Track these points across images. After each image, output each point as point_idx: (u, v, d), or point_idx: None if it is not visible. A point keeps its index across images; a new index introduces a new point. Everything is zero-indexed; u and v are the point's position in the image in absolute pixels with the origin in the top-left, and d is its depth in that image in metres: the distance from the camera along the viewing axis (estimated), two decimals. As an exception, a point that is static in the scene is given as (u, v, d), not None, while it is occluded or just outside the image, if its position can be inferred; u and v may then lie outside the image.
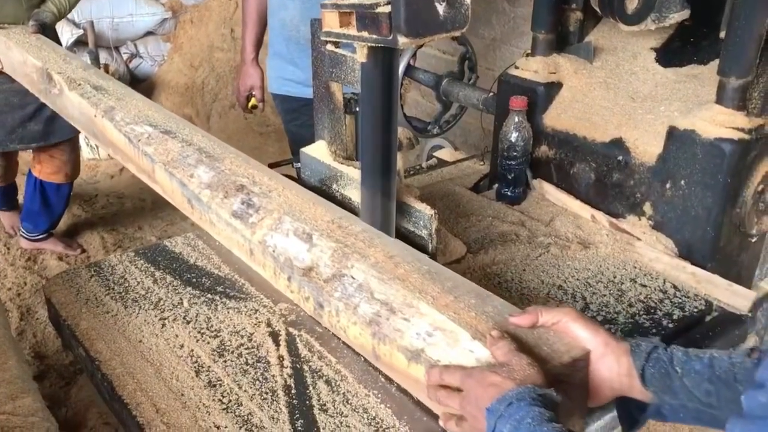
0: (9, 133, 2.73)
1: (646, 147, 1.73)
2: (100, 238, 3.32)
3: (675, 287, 1.60)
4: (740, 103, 1.58)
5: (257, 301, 1.48)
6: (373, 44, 1.21)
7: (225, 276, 1.58)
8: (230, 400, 1.22)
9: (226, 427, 1.16)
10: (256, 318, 1.43)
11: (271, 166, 1.88)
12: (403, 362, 1.05)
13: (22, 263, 3.08)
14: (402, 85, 2.38)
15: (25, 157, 3.18)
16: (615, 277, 1.63)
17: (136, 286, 1.56)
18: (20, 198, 3.29)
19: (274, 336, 1.37)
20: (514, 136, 1.89)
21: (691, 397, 0.92)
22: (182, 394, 1.24)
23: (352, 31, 1.24)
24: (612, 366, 0.95)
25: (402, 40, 1.12)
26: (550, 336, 0.99)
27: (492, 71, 3.05)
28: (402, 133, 2.27)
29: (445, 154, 2.59)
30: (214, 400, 1.22)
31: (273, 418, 1.17)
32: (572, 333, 0.98)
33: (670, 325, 1.47)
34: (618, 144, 1.78)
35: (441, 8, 1.11)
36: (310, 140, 1.68)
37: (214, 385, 1.25)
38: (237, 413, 1.19)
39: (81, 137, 3.07)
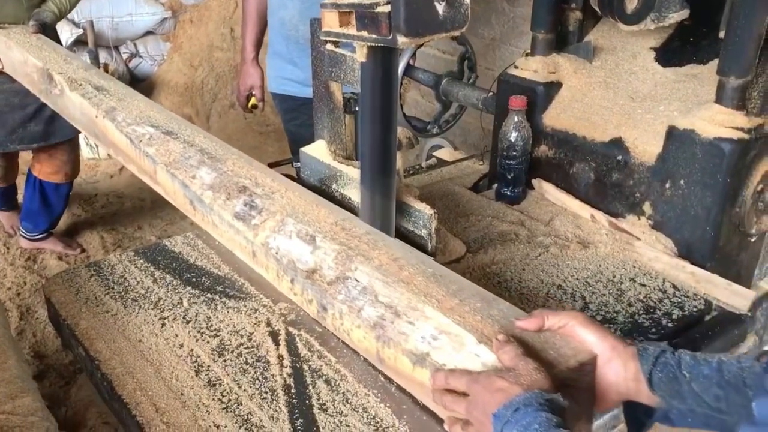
0: (9, 133, 2.73)
1: (646, 147, 1.73)
2: (100, 238, 3.32)
3: (674, 287, 1.60)
4: (740, 102, 1.58)
5: (257, 301, 1.48)
6: (373, 44, 1.21)
7: (225, 275, 1.58)
8: (230, 400, 1.22)
9: (225, 426, 1.16)
10: (256, 317, 1.43)
11: (271, 165, 1.87)
12: (408, 366, 1.04)
13: (22, 263, 3.08)
14: (401, 84, 2.38)
15: (24, 157, 3.18)
16: (614, 277, 1.63)
17: (136, 285, 1.56)
18: (20, 198, 3.29)
19: (274, 335, 1.37)
20: (513, 136, 1.89)
21: (699, 402, 0.91)
22: (182, 394, 1.24)
23: (352, 30, 1.24)
24: (619, 370, 0.95)
25: (401, 39, 1.12)
26: (556, 340, 0.98)
27: (491, 71, 3.06)
28: (401, 132, 2.27)
29: (445, 153, 2.59)
30: (213, 399, 1.22)
31: (273, 417, 1.17)
32: (579, 337, 0.97)
33: (670, 325, 1.47)
34: (617, 144, 1.78)
35: (440, 8, 1.11)
36: (310, 140, 1.68)
37: (214, 385, 1.25)
38: (237, 413, 1.19)
39: (80, 137, 3.07)
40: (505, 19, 3.15)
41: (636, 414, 0.99)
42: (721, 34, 1.60)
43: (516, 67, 2.01)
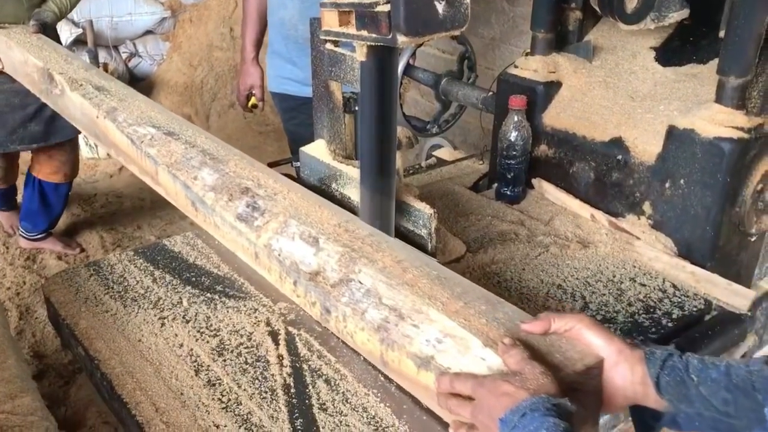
0: (10, 133, 2.73)
1: (646, 146, 1.73)
2: (99, 238, 3.32)
3: (674, 286, 1.60)
4: (739, 102, 1.58)
5: (256, 301, 1.48)
6: (373, 43, 1.21)
7: (224, 275, 1.58)
8: (230, 399, 1.22)
9: (225, 426, 1.16)
10: (256, 317, 1.43)
11: (271, 165, 1.87)
12: (412, 369, 1.03)
13: (21, 262, 3.08)
14: (401, 84, 2.38)
15: (24, 157, 3.18)
16: (614, 277, 1.63)
17: (136, 285, 1.56)
18: (19, 198, 3.28)
19: (274, 335, 1.37)
20: (513, 136, 1.89)
21: (707, 406, 0.90)
22: (181, 393, 1.24)
23: (352, 30, 1.23)
24: (626, 374, 0.94)
25: (401, 39, 1.12)
26: (562, 343, 0.97)
27: (491, 70, 3.05)
28: (401, 132, 2.27)
29: (445, 153, 2.59)
30: (213, 399, 1.22)
31: (272, 417, 1.17)
32: (585, 340, 0.96)
33: (670, 325, 1.47)
34: (617, 143, 1.78)
35: (440, 7, 1.11)
36: (309, 139, 1.68)
37: (214, 384, 1.25)
38: (236, 412, 1.19)
39: (80, 136, 3.07)
40: (505, 19, 3.15)
41: (644, 418, 0.99)
42: (721, 34, 1.60)
43: (516, 67, 2.01)
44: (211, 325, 1.41)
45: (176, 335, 1.39)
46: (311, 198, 1.40)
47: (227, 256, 1.61)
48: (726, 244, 1.67)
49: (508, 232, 1.81)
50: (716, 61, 1.61)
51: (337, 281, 1.18)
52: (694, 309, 1.53)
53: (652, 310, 1.51)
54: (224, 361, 1.31)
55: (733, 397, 0.88)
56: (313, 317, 1.29)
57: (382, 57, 1.27)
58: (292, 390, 1.23)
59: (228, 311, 1.45)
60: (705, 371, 0.91)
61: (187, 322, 1.42)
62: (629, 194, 1.79)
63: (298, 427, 1.15)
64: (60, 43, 2.60)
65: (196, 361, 1.31)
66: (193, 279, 1.57)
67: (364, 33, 1.19)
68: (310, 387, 1.23)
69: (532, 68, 1.96)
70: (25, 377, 1.52)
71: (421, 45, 2.86)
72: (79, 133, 2.68)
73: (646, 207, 1.76)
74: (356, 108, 1.54)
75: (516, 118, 1.88)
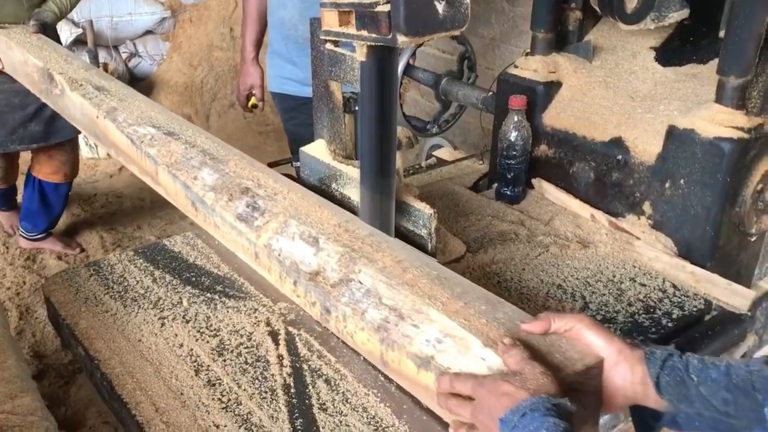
0: (10, 133, 2.73)
1: (646, 146, 1.73)
2: (99, 238, 3.32)
3: (674, 286, 1.60)
4: (739, 102, 1.58)
5: (256, 301, 1.48)
6: (373, 43, 1.21)
7: (224, 275, 1.58)
8: (230, 399, 1.22)
9: (225, 426, 1.16)
10: (256, 317, 1.43)
11: (271, 165, 1.87)
12: (412, 369, 1.03)
13: (21, 262, 3.08)
14: (401, 84, 2.38)
15: (24, 157, 3.18)
16: (614, 277, 1.63)
17: (136, 285, 1.56)
18: (19, 198, 3.28)
19: (274, 335, 1.37)
20: (513, 136, 1.89)
21: (707, 406, 0.90)
22: (181, 393, 1.24)
23: (352, 30, 1.23)
24: (626, 374, 0.94)
25: (401, 39, 1.12)
26: (562, 343, 0.97)
27: (491, 70, 3.06)
28: (401, 132, 2.27)
29: (445, 153, 2.59)
30: (213, 399, 1.22)
31: (272, 417, 1.17)
32: (585, 340, 0.96)
33: (670, 324, 1.47)
34: (617, 143, 1.78)
35: (440, 7, 1.11)
36: (309, 139, 1.68)
37: (214, 384, 1.25)
38: (236, 412, 1.19)
39: (80, 136, 3.07)
40: (505, 19, 3.15)
41: (643, 418, 0.99)
42: (721, 34, 1.60)
43: (516, 67, 2.01)
44: (211, 325, 1.41)
45: (176, 335, 1.39)
46: (311, 198, 1.40)
47: (227, 256, 1.61)
48: (726, 244, 1.67)
49: (508, 232, 1.81)
50: (716, 61, 1.61)
51: (337, 281, 1.18)
52: (694, 309, 1.53)
53: (652, 310, 1.51)
54: (224, 361, 1.31)
55: (733, 397, 0.88)
56: (313, 317, 1.29)
57: (382, 57, 1.27)
58: (292, 390, 1.23)
59: (228, 311, 1.45)
60: (705, 371, 0.91)
61: (187, 322, 1.42)
62: (629, 194, 1.79)
63: (298, 427, 1.15)
64: (60, 43, 2.60)
65: (196, 361, 1.31)
66: (193, 279, 1.57)
67: (364, 33, 1.19)
68: (310, 387, 1.23)
69: (532, 68, 1.96)
70: (25, 377, 1.52)
71: (421, 45, 2.86)
72: (79, 133, 2.68)
73: (646, 207, 1.76)
74: (356, 108, 1.54)
75: (516, 118, 1.88)
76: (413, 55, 2.46)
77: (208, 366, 1.30)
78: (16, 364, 1.54)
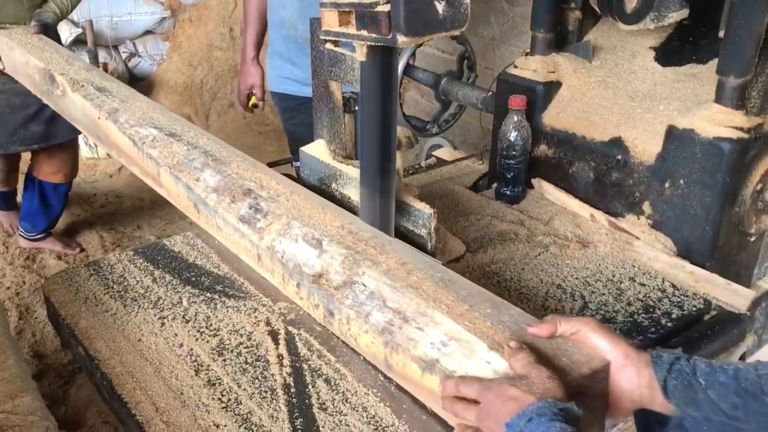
0: (10, 134, 2.72)
1: (645, 146, 1.73)
2: (99, 237, 3.32)
3: (674, 286, 1.60)
4: (739, 102, 1.58)
5: (256, 300, 1.48)
6: (373, 43, 1.21)
7: (224, 275, 1.58)
8: (230, 399, 1.22)
9: (225, 425, 1.16)
10: (256, 317, 1.43)
11: (270, 165, 1.87)
12: (416, 372, 1.03)
13: (21, 262, 3.08)
14: (401, 84, 2.39)
15: (24, 157, 3.18)
16: (614, 276, 1.63)
17: (135, 285, 1.56)
18: (19, 197, 3.28)
19: (274, 335, 1.37)
20: (513, 136, 1.89)
21: (716, 410, 0.89)
22: (181, 393, 1.24)
23: (352, 30, 1.23)
24: (632, 377, 0.93)
25: (401, 39, 1.12)
26: (568, 347, 0.96)
27: (491, 70, 3.06)
28: (401, 132, 2.27)
29: (444, 153, 2.59)
30: (213, 398, 1.22)
31: (272, 416, 1.17)
32: (591, 343, 0.96)
33: (669, 324, 1.47)
34: (617, 143, 1.78)
35: (440, 7, 1.11)
36: (308, 139, 1.68)
37: (214, 384, 1.25)
38: (236, 412, 1.19)
39: (80, 136, 3.07)
40: (505, 19, 3.15)
41: (648, 422, 0.98)
42: (721, 34, 1.60)
43: (515, 67, 2.01)
44: (211, 324, 1.41)
45: (176, 335, 1.39)
46: (314, 200, 1.39)
47: (227, 255, 1.61)
48: (725, 243, 1.67)
49: (507, 232, 1.81)
50: (716, 61, 1.61)
51: (341, 283, 1.18)
52: (694, 309, 1.53)
53: (651, 309, 1.52)
54: (224, 360, 1.31)
55: (742, 402, 0.87)
56: (317, 320, 1.29)
57: (382, 57, 1.27)
58: (292, 389, 1.23)
59: (228, 311, 1.45)
60: (713, 375, 0.90)
61: (187, 321, 1.42)
62: (629, 194, 1.79)
63: (298, 427, 1.15)
64: (60, 43, 2.60)
65: (196, 360, 1.32)
66: (193, 279, 1.57)
67: (364, 33, 1.20)
68: (310, 387, 1.23)
69: (532, 68, 1.96)
70: (25, 377, 1.52)
71: (421, 45, 2.86)
72: (79, 133, 2.68)
73: (646, 207, 1.76)
74: (356, 108, 1.55)
75: (516, 118, 1.88)
76: (413, 55, 2.46)
77: (208, 366, 1.30)
78: (16, 363, 1.54)
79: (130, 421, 1.20)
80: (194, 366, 1.30)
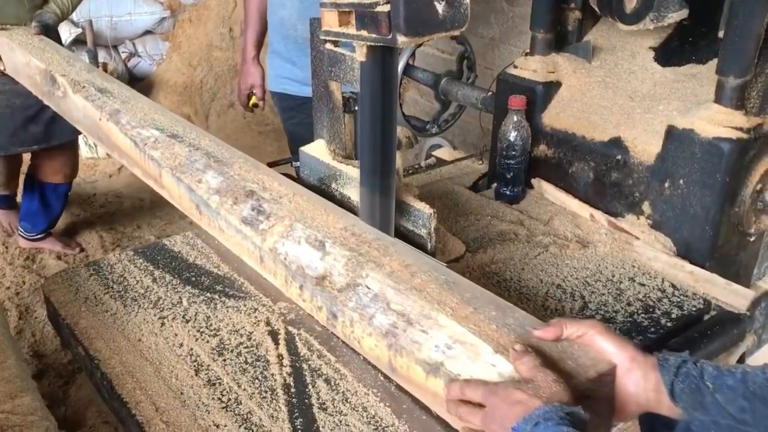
0: (11, 135, 2.72)
1: (645, 146, 1.73)
2: (99, 237, 3.32)
3: (673, 286, 1.60)
4: (739, 102, 1.58)
5: (256, 300, 1.48)
6: (373, 43, 1.22)
7: (224, 275, 1.58)
8: (230, 399, 1.22)
9: (225, 425, 1.16)
10: (256, 317, 1.43)
11: (270, 165, 1.88)
12: (421, 375, 1.03)
13: (21, 262, 3.08)
14: (401, 84, 2.39)
15: (24, 158, 3.18)
16: (614, 276, 1.63)
17: (135, 285, 1.56)
18: (18, 198, 3.28)
19: (274, 335, 1.37)
20: (512, 136, 1.89)
21: (723, 414, 0.89)
22: (181, 393, 1.24)
23: (352, 30, 1.24)
24: (639, 381, 0.93)
25: (401, 39, 1.12)
26: (574, 350, 0.96)
27: (491, 70, 3.06)
28: (401, 132, 2.27)
29: (444, 153, 2.60)
30: (213, 398, 1.22)
31: (272, 416, 1.17)
32: (597, 346, 0.95)
33: (669, 324, 1.47)
34: (617, 143, 1.79)
35: (440, 7, 1.11)
36: (308, 138, 1.68)
37: (214, 384, 1.25)
38: (236, 412, 1.19)
39: (80, 136, 3.07)
40: (505, 19, 3.15)
41: (654, 426, 0.98)
42: (720, 34, 1.60)
43: (515, 67, 2.01)
44: (211, 324, 1.41)
45: (176, 335, 1.39)
46: (317, 201, 1.39)
47: (227, 255, 1.61)
48: (725, 243, 1.67)
49: (507, 232, 1.81)
50: (715, 61, 1.61)
51: (344, 286, 1.17)
52: (693, 309, 1.53)
53: (651, 309, 1.52)
54: (224, 360, 1.31)
55: (751, 405, 0.87)
56: (320, 322, 1.29)
57: (382, 57, 1.27)
58: (292, 389, 1.23)
59: (228, 311, 1.45)
60: (720, 378, 0.90)
61: (187, 321, 1.42)
62: (628, 194, 1.79)
63: (298, 427, 1.15)
64: (61, 44, 2.59)
65: (196, 360, 1.32)
66: (193, 279, 1.57)
67: (364, 33, 1.20)
68: (310, 386, 1.23)
69: (532, 68, 1.96)
70: (25, 377, 1.52)
71: (420, 45, 2.86)
72: (80, 133, 2.67)
73: (646, 207, 1.76)
74: (356, 108, 1.55)
75: (515, 118, 1.88)
76: (413, 55, 2.46)
77: (208, 366, 1.30)
78: (15, 363, 1.54)
79: (130, 421, 1.20)
80: (194, 366, 1.30)
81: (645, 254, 1.71)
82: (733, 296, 1.57)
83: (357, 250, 1.21)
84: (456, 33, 1.18)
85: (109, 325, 1.43)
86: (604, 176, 1.84)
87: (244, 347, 1.34)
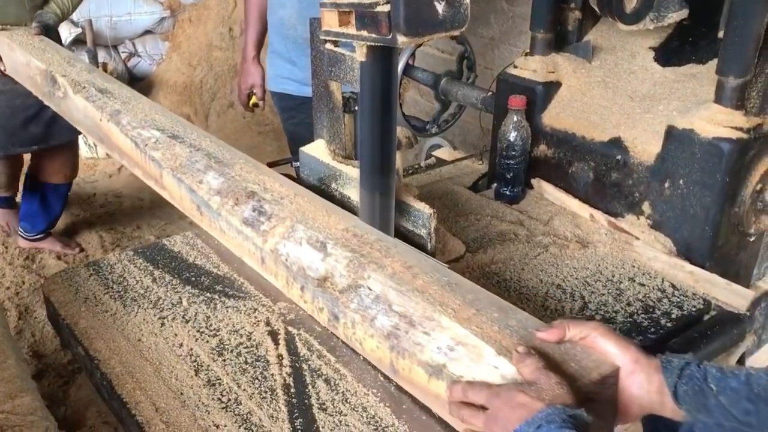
0: (11, 135, 2.72)
1: (645, 146, 1.73)
2: (99, 237, 3.32)
3: (673, 286, 1.60)
4: (738, 102, 1.58)
5: (256, 300, 1.48)
6: (373, 43, 1.21)
7: (224, 275, 1.58)
8: (229, 399, 1.22)
9: (225, 425, 1.16)
10: (255, 317, 1.43)
11: (270, 165, 1.87)
12: (423, 377, 1.03)
13: (21, 262, 3.08)
14: (401, 84, 2.39)
15: (24, 158, 3.18)
16: (613, 276, 1.63)
17: (135, 285, 1.56)
18: (18, 197, 3.28)
19: (273, 335, 1.37)
20: (512, 136, 1.89)
21: (728, 416, 0.88)
22: (181, 393, 1.24)
23: (352, 30, 1.24)
24: (642, 383, 0.93)
25: (401, 39, 1.12)
26: (577, 352, 0.96)
27: (490, 70, 3.06)
28: (401, 132, 2.27)
29: (444, 153, 2.59)
30: (213, 399, 1.22)
31: (272, 416, 1.17)
32: (600, 348, 0.95)
33: (669, 324, 1.47)
34: (617, 143, 1.79)
35: (440, 7, 1.11)
36: (308, 138, 1.68)
37: (214, 384, 1.25)
38: (236, 412, 1.19)
39: (79, 136, 3.07)
40: (505, 19, 3.15)
41: (657, 428, 0.97)
42: (720, 34, 1.60)
43: (515, 67, 2.01)
44: (211, 324, 1.41)
45: (176, 335, 1.39)
46: (318, 202, 1.39)
47: (227, 255, 1.61)
48: (725, 244, 1.67)
49: (507, 232, 1.81)
50: (715, 61, 1.61)
51: (346, 287, 1.17)
52: (693, 309, 1.53)
53: (651, 309, 1.52)
54: (224, 360, 1.31)
55: (755, 407, 0.87)
56: (321, 323, 1.29)
57: (382, 57, 1.27)
58: (292, 390, 1.23)
59: (228, 311, 1.45)
60: (724, 380, 0.89)
61: (187, 321, 1.42)
62: (628, 194, 1.79)
63: (298, 427, 1.15)
64: (61, 44, 2.59)
65: (195, 360, 1.31)
66: (193, 279, 1.57)
67: (364, 33, 1.20)
68: (310, 387, 1.23)
69: (532, 68, 1.96)
70: (24, 377, 1.52)
71: (420, 45, 2.86)
72: (80, 133, 2.67)
73: (645, 207, 1.76)
74: (356, 108, 1.55)
75: (515, 118, 1.88)
76: (413, 55, 2.46)
77: (208, 366, 1.30)
78: (15, 363, 1.54)
79: (130, 421, 1.20)
80: (194, 366, 1.30)
81: (645, 254, 1.71)
82: (733, 296, 1.57)
83: (359, 252, 1.21)
84: (456, 33, 1.18)
85: (108, 325, 1.43)
86: (603, 176, 1.84)
87: (244, 347, 1.34)
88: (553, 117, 1.94)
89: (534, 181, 2.02)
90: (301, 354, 1.32)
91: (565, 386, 0.86)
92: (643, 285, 1.60)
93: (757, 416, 0.87)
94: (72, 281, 1.59)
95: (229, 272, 1.58)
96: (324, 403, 1.19)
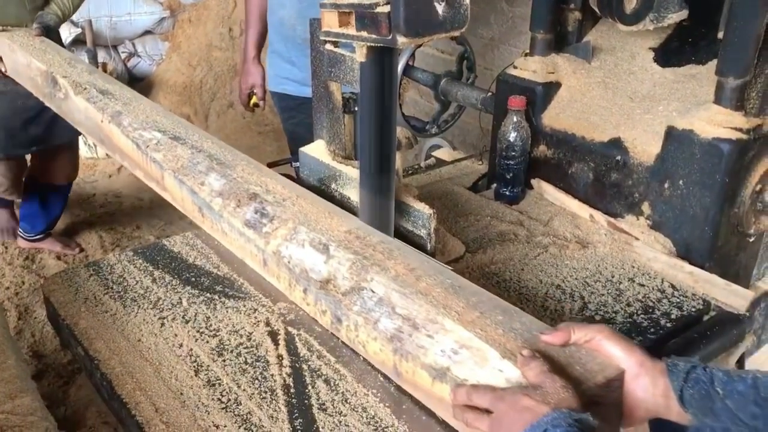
0: (12, 136, 2.72)
1: (645, 147, 1.73)
2: (99, 238, 3.32)
3: (673, 287, 1.60)
4: (738, 103, 1.58)
5: (256, 301, 1.48)
6: (372, 44, 1.22)
7: (224, 275, 1.58)
8: (229, 400, 1.22)
9: (225, 426, 1.16)
10: (255, 317, 1.43)
11: (270, 165, 1.88)
12: (427, 380, 1.02)
13: (20, 262, 3.08)
14: (400, 84, 2.39)
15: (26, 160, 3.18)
16: (613, 277, 1.63)
17: (135, 285, 1.56)
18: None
19: (273, 335, 1.37)
20: (512, 136, 1.89)
21: (735, 420, 0.88)
22: (181, 393, 1.24)
23: (352, 30, 1.24)
24: (647, 386, 0.92)
25: (401, 39, 1.12)
26: (582, 355, 0.95)
27: (490, 71, 3.06)
28: (400, 132, 2.27)
29: (444, 153, 2.60)
30: (213, 399, 1.22)
31: (272, 417, 1.17)
32: (605, 351, 0.95)
33: (668, 325, 1.47)
34: (616, 144, 1.79)
35: (440, 8, 1.12)
36: (308, 139, 1.68)
37: (213, 385, 1.25)
38: (236, 412, 1.19)
39: (79, 136, 3.07)
40: (504, 19, 3.15)
41: None
42: (720, 35, 1.61)
43: (515, 67, 2.01)
44: (211, 325, 1.41)
45: (176, 335, 1.39)
46: (321, 204, 1.39)
47: (227, 256, 1.61)
48: (724, 244, 1.67)
49: (507, 233, 1.81)
50: (715, 61, 1.61)
51: (349, 289, 1.17)
52: (693, 309, 1.53)
53: (650, 310, 1.52)
54: (224, 361, 1.31)
55: (762, 412, 0.86)
56: (324, 326, 1.28)
57: (382, 57, 1.27)
58: (292, 390, 1.23)
59: (227, 311, 1.45)
60: (731, 384, 0.89)
61: (187, 322, 1.42)
62: (628, 195, 1.79)
63: (298, 427, 1.15)
64: (62, 45, 2.59)
65: (195, 361, 1.32)
66: (193, 279, 1.57)
67: (364, 34, 1.20)
68: (310, 387, 1.23)
69: (531, 69, 1.97)
70: (24, 377, 1.52)
71: (420, 45, 2.86)
72: (80, 134, 2.67)
73: (645, 207, 1.76)
74: (356, 108, 1.55)
75: (515, 119, 1.89)
76: (412, 55, 2.46)
77: (208, 366, 1.30)
78: (15, 364, 1.54)
79: (130, 422, 1.20)
80: (194, 366, 1.30)
81: (644, 255, 1.71)
82: (732, 297, 1.57)
83: (361, 254, 1.21)
84: (456, 34, 1.18)
85: (108, 325, 1.43)
86: (603, 177, 1.84)
87: (244, 348, 1.34)
88: (553, 117, 1.94)
89: (534, 182, 2.02)
90: (301, 354, 1.32)
91: (570, 390, 0.86)
92: (643, 285, 1.60)
93: (764, 420, 0.86)
94: (72, 281, 1.59)
95: (229, 272, 1.58)
96: (324, 404, 1.19)
